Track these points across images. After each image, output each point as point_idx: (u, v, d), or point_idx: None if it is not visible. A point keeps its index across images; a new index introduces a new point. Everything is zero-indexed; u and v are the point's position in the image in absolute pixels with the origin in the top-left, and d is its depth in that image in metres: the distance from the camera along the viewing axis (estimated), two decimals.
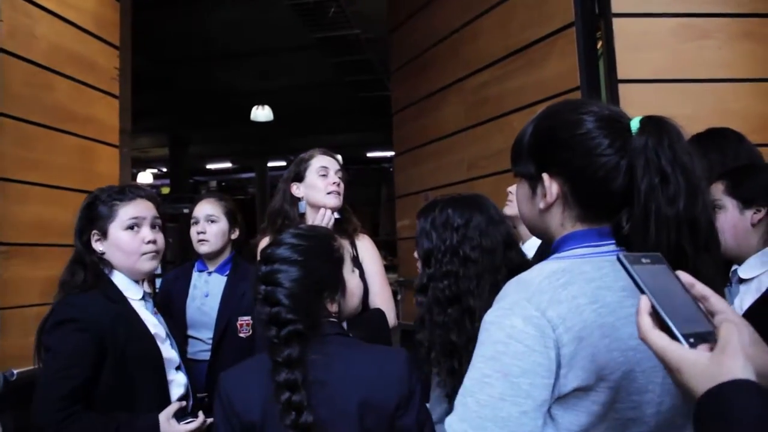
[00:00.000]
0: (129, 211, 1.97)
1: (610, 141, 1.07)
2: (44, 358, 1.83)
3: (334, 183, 2.45)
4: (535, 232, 1.23)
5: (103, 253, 1.96)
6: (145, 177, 17.58)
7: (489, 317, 1.06)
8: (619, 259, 0.86)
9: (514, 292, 1.06)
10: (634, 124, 1.07)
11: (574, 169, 1.09)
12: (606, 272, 1.06)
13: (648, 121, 1.07)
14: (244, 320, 2.70)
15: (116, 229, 1.96)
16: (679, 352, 0.79)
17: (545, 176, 1.12)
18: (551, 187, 1.12)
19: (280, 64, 9.36)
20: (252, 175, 18.30)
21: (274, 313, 1.49)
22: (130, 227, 1.97)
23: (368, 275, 2.40)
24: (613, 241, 1.10)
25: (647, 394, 1.03)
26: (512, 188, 2.53)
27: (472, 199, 1.83)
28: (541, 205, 1.14)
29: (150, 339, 1.94)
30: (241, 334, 2.69)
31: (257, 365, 1.51)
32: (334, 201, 2.45)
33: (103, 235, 1.96)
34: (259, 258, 1.67)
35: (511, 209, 2.53)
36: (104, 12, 3.42)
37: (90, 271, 1.92)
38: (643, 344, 0.98)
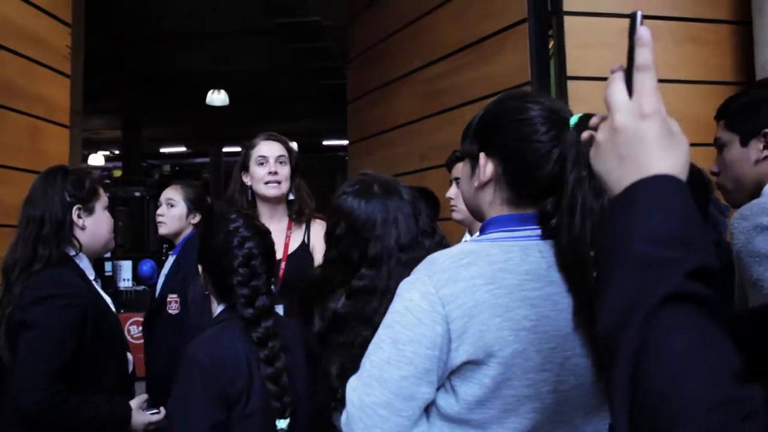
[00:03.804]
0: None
1: (546, 129, 1.14)
2: (25, 335, 1.79)
3: (270, 172, 2.45)
4: (471, 211, 1.29)
5: (84, 228, 1.99)
6: (97, 159, 17.21)
7: (399, 288, 1.16)
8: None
9: (422, 268, 1.15)
10: (573, 120, 1.13)
11: (509, 151, 1.17)
12: (512, 256, 1.13)
13: (585, 118, 1.12)
14: (173, 297, 2.79)
15: (100, 209, 2.05)
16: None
17: (482, 155, 1.19)
18: (486, 165, 1.18)
19: (237, 47, 9.25)
20: (206, 160, 18.08)
21: (255, 290, 1.67)
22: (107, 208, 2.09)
23: (317, 263, 2.41)
24: (534, 227, 1.17)
25: (544, 373, 1.10)
26: (451, 193, 2.56)
27: None
28: (476, 183, 1.21)
29: (116, 318, 2.06)
30: (171, 311, 2.77)
31: (227, 337, 1.64)
32: (272, 191, 2.46)
33: (89, 212, 2.01)
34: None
35: (457, 214, 2.58)
36: None
37: (56, 249, 1.91)
38: (539, 326, 1.08)
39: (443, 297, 1.08)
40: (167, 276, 2.88)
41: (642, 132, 0.72)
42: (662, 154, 0.71)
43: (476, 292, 1.09)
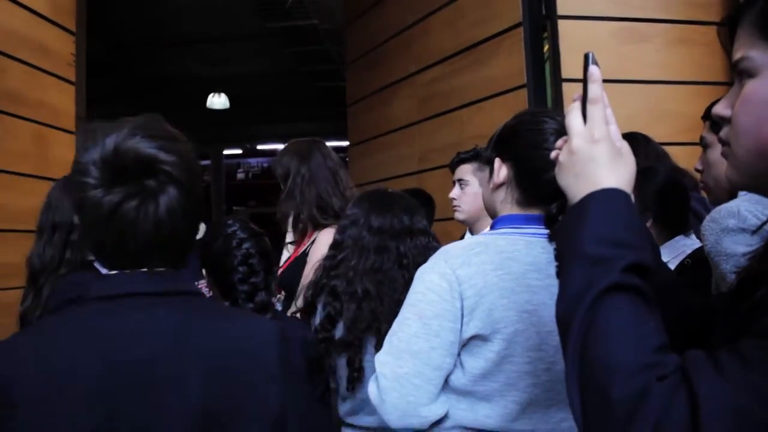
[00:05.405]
0: None
1: (554, 139, 1.24)
2: None
3: None
4: (487, 210, 1.44)
5: None
6: None
7: (417, 273, 1.31)
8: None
9: (438, 255, 1.31)
10: None
11: (520, 156, 1.33)
12: (518, 248, 1.28)
13: None
14: (201, 283, 2.82)
15: None
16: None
17: (497, 160, 1.35)
18: (500, 169, 1.35)
19: (237, 51, 9.31)
20: (207, 162, 18.14)
21: (254, 286, 1.82)
22: None
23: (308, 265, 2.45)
24: (538, 226, 1.30)
25: (541, 352, 1.23)
26: (454, 193, 2.63)
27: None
28: (491, 185, 1.37)
29: None
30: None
31: None
32: None
33: None
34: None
35: (460, 214, 2.64)
36: None
37: (80, 254, 1.96)
38: (538, 311, 1.21)
39: (459, 277, 1.24)
40: None
41: (593, 154, 0.86)
42: (610, 172, 0.85)
43: (486, 275, 1.24)
